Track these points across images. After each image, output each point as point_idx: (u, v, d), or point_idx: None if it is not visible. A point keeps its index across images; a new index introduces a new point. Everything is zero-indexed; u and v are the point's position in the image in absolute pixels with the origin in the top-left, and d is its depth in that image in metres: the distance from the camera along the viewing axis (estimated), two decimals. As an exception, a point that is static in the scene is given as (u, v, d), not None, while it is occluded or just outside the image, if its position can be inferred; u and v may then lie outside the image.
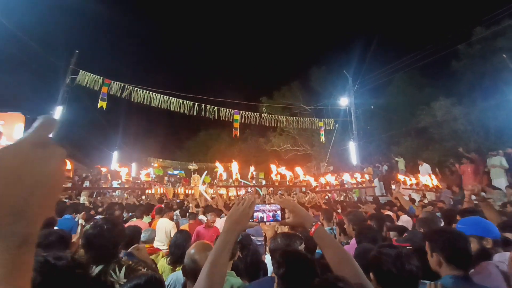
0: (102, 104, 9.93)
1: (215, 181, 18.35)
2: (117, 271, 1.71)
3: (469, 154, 8.27)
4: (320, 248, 1.12)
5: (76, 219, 4.52)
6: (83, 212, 3.71)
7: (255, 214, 1.21)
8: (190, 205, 6.90)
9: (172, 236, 4.31)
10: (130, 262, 1.85)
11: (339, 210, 6.26)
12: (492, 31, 9.95)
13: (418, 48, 11.65)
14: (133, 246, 2.01)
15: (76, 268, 0.87)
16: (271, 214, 1.25)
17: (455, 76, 12.39)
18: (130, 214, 5.12)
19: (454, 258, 1.45)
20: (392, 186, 6.66)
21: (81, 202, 5.65)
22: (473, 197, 2.92)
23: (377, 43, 15.16)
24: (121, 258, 1.81)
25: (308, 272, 1.22)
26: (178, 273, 2.21)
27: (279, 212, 1.24)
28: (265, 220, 1.24)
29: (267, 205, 1.26)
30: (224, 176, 8.79)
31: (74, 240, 3.78)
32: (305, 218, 1.18)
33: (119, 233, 1.85)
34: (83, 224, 3.57)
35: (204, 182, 17.31)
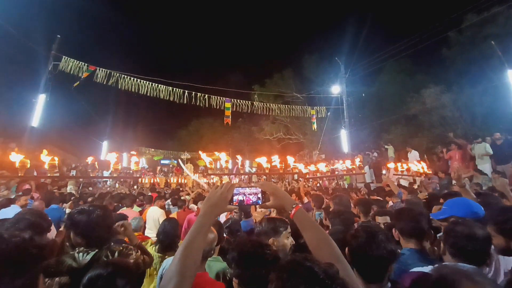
0: (77, 83, 9.57)
1: (208, 171, 18.39)
2: (110, 257, 1.70)
3: (458, 140, 8.44)
4: (300, 230, 1.11)
5: (63, 209, 4.46)
6: (70, 202, 3.65)
7: (235, 197, 1.19)
8: (181, 194, 6.89)
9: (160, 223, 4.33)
10: (121, 248, 1.83)
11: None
12: (482, 17, 9.96)
13: (409, 35, 11.62)
14: (118, 223, 2.00)
15: (33, 248, 0.85)
16: (251, 197, 1.23)
17: (445, 63, 12.48)
18: (122, 203, 5.06)
19: (408, 233, 1.71)
20: (383, 171, 6.79)
21: (68, 191, 5.56)
22: (454, 182, 3.00)
23: (369, 30, 15.06)
24: (110, 244, 1.79)
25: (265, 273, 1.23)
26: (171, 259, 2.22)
27: (260, 195, 1.22)
28: (245, 203, 1.22)
29: (247, 188, 1.24)
30: (218, 165, 8.75)
31: (61, 229, 3.76)
32: (285, 201, 1.16)
33: (109, 218, 1.84)
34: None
35: (198, 166, 17.29)
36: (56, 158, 3.56)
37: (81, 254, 1.72)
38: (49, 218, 2.30)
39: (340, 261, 0.97)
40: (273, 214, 3.20)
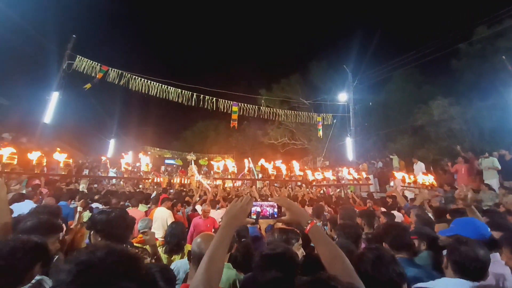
0: (88, 86, 9.80)
1: (212, 172, 18.49)
2: None
3: (465, 154, 8.37)
4: (314, 245, 1.16)
5: (72, 206, 4.55)
6: (81, 200, 3.73)
7: (253, 209, 1.26)
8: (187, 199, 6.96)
9: (168, 225, 4.40)
10: (137, 251, 1.91)
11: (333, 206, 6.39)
12: (493, 31, 9.92)
13: (419, 46, 11.61)
14: (143, 231, 2.08)
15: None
16: (268, 209, 1.30)
17: (454, 75, 12.42)
18: (127, 203, 5.14)
19: (396, 245, 1.94)
20: (391, 183, 6.78)
21: (80, 189, 5.67)
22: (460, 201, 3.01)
23: (378, 40, 15.10)
24: (127, 246, 1.87)
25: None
26: (182, 261, 2.30)
27: (275, 209, 1.28)
28: (262, 216, 1.29)
29: (264, 202, 1.31)
30: (221, 168, 8.79)
31: (72, 226, 3.84)
32: (300, 216, 1.22)
33: (126, 219, 1.92)
34: (81, 211, 3.61)
35: (202, 166, 17.40)
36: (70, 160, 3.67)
37: None
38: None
39: (353, 277, 1.02)
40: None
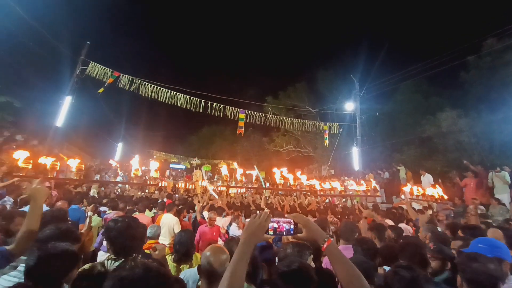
0: (101, 90, 10.04)
1: (215, 177, 18.53)
2: None
3: (475, 167, 8.24)
4: (331, 263, 1.18)
5: (82, 209, 4.63)
6: (92, 205, 3.81)
7: (270, 225, 1.28)
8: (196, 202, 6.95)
9: (175, 232, 4.42)
10: (146, 261, 1.93)
11: (339, 216, 6.33)
12: (503, 45, 9.88)
13: (427, 57, 11.62)
14: (153, 247, 2.10)
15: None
16: (285, 225, 1.31)
17: (463, 86, 12.32)
18: (135, 208, 5.19)
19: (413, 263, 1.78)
20: (402, 196, 6.70)
21: (91, 194, 5.76)
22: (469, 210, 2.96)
23: (386, 50, 15.12)
24: (136, 256, 1.89)
25: None
26: (191, 271, 2.30)
27: (292, 226, 1.30)
28: (278, 232, 1.30)
29: (280, 218, 1.32)
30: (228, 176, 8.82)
31: (82, 230, 3.90)
32: (317, 234, 1.23)
33: (133, 228, 1.95)
34: (91, 216, 3.68)
35: (206, 172, 17.44)
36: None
37: (110, 261, 1.84)
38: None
39: None
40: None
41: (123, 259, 1.81)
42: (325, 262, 2.19)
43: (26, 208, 3.56)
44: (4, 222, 2.52)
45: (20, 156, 3.28)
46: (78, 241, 1.94)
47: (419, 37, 18.30)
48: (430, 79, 13.74)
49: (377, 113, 15.25)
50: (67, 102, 9.57)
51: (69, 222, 3.16)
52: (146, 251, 2.69)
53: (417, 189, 5.56)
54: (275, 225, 1.30)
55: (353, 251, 2.15)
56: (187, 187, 15.46)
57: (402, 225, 4.74)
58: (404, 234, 3.78)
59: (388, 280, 1.31)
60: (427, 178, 9.31)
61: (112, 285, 0.69)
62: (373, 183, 6.22)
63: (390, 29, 22.22)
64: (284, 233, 1.32)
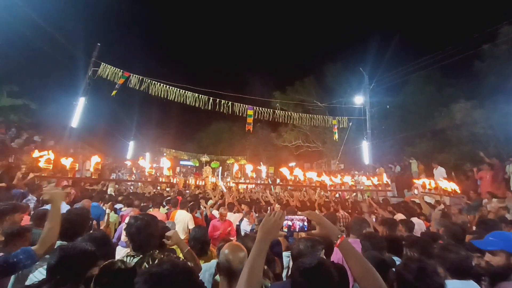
0: (114, 92, 10.32)
1: (225, 173, 18.73)
2: (150, 263, 1.90)
3: (490, 160, 8.03)
4: (345, 258, 1.22)
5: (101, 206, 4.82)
6: (110, 203, 3.97)
7: (284, 223, 1.34)
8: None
9: (189, 227, 4.55)
10: (162, 256, 2.03)
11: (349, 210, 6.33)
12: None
13: (439, 47, 11.24)
14: (166, 236, 2.20)
15: None
16: (298, 223, 1.37)
17: (477, 77, 11.88)
18: (151, 205, 5.35)
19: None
20: (415, 191, 6.62)
21: (108, 192, 5.98)
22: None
23: (396, 41, 14.68)
24: (154, 251, 1.99)
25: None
26: (207, 265, 2.40)
27: (305, 223, 1.35)
28: (292, 228, 1.36)
29: (294, 216, 1.38)
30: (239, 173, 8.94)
31: (102, 227, 4.08)
32: (331, 230, 1.28)
33: (150, 226, 2.05)
34: (109, 213, 3.85)
35: (214, 169, 17.68)
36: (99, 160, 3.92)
37: (129, 258, 1.95)
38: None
39: None
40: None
41: (141, 256, 1.92)
42: (333, 257, 2.26)
43: (48, 206, 3.77)
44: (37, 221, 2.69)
45: (41, 157, 3.45)
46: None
47: (431, 26, 17.68)
48: (443, 70, 13.27)
49: (388, 106, 14.96)
50: (81, 103, 9.87)
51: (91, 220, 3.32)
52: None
53: (429, 183, 5.48)
54: (289, 222, 1.35)
55: (361, 246, 2.20)
56: (197, 183, 15.73)
57: (414, 219, 4.71)
58: (417, 229, 3.78)
59: (400, 272, 1.36)
60: (439, 171, 9.13)
61: (143, 281, 0.77)
62: (385, 178, 6.17)
63: (400, 19, 21.55)
64: (298, 230, 1.38)
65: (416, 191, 5.71)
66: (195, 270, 0.91)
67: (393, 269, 1.57)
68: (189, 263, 2.22)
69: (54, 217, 1.82)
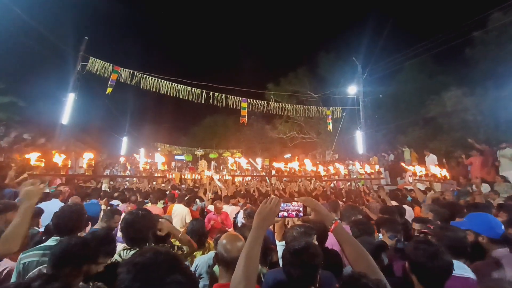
0: (109, 90, 10.11)
1: (221, 166, 18.73)
2: None
3: (480, 145, 8.21)
4: (339, 243, 1.26)
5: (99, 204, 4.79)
6: (105, 199, 3.95)
7: (280, 209, 1.36)
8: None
9: (186, 221, 4.58)
10: (156, 247, 2.05)
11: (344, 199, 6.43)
12: (510, 18, 9.54)
13: (431, 35, 11.28)
14: (158, 227, 2.22)
15: None
16: (294, 211, 1.39)
17: (468, 63, 11.99)
18: (146, 200, 5.34)
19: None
20: (410, 179, 6.77)
21: (103, 189, 5.94)
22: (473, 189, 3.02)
23: (388, 29, 14.63)
24: (151, 243, 2.01)
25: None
26: (204, 257, 2.43)
27: (301, 209, 1.37)
28: (288, 216, 1.38)
29: (290, 203, 1.39)
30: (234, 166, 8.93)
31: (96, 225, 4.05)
32: (325, 216, 1.31)
33: (142, 221, 2.06)
34: (105, 209, 3.83)
35: (210, 160, 17.67)
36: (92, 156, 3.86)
37: (125, 251, 1.97)
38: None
39: (377, 274, 1.11)
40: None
41: (137, 249, 1.93)
42: (328, 243, 2.34)
43: (41, 205, 3.72)
44: None
45: (32, 155, 3.38)
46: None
47: (423, 14, 17.65)
48: (435, 58, 13.37)
49: (380, 95, 15.05)
50: (70, 99, 9.64)
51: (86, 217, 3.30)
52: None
53: (420, 170, 5.60)
54: (285, 213, 1.37)
55: (351, 232, 2.27)
56: (193, 177, 15.71)
57: (405, 206, 4.84)
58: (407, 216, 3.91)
59: (411, 253, 1.42)
60: (431, 158, 9.32)
61: (127, 271, 0.77)
62: (377, 166, 6.27)
63: (391, 7, 21.44)
64: (294, 216, 1.40)
65: (411, 179, 5.84)
66: (179, 257, 0.91)
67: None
68: (184, 248, 2.26)
69: (24, 213, 1.68)
